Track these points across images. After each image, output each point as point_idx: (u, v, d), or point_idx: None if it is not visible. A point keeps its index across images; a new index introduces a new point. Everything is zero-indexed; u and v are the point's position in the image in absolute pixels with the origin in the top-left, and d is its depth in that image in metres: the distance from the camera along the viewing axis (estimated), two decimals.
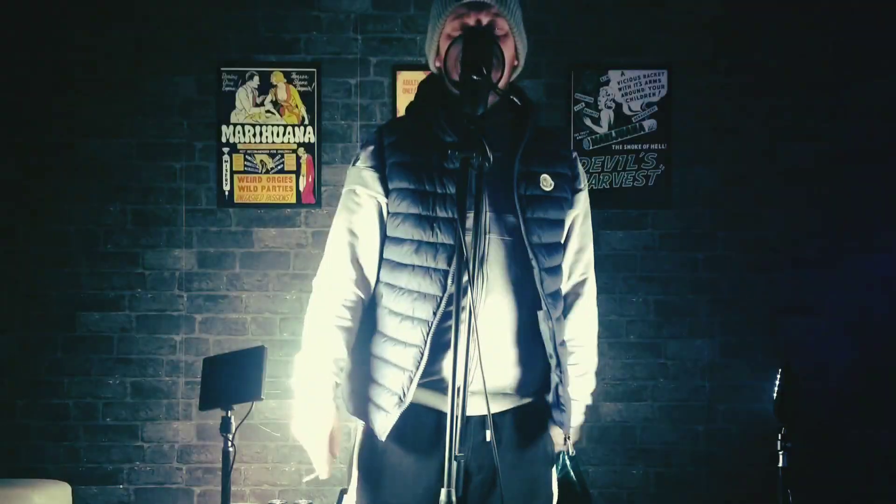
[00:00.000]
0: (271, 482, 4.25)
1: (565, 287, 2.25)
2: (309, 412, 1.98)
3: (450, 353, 2.00)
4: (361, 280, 2.12)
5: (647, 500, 4.26)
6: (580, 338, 2.28)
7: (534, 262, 2.06)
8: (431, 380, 2.04)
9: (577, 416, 2.31)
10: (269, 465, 4.25)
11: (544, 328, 2.07)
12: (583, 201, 2.24)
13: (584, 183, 2.24)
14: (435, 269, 2.03)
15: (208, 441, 4.23)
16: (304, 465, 4.25)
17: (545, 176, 2.13)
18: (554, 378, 2.10)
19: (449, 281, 2.01)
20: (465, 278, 1.76)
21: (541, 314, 2.07)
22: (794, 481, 2.83)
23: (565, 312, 2.25)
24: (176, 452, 4.26)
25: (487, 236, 2.03)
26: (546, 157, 2.17)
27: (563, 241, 2.21)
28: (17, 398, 4.23)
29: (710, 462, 4.26)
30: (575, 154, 2.27)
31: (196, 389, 3.96)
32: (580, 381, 2.29)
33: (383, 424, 2.05)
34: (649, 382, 4.27)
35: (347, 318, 2.10)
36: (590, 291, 2.29)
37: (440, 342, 2.02)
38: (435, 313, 2.01)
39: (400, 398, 2.03)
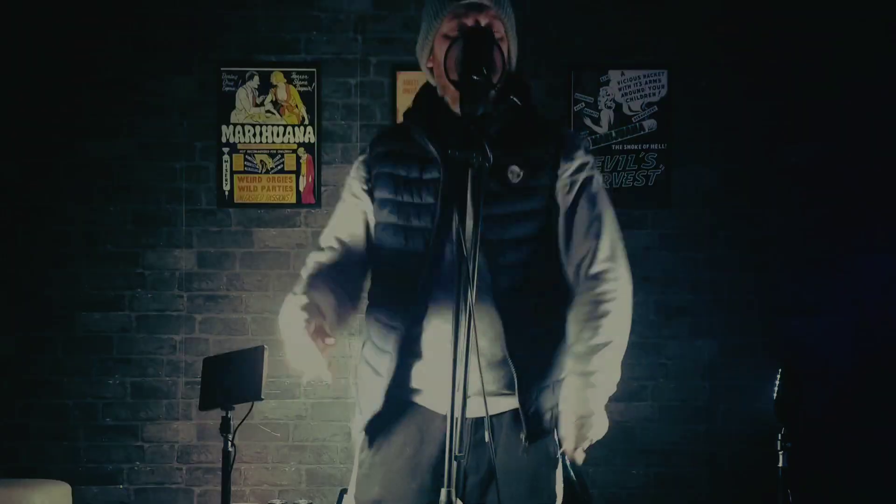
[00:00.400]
0: (271, 482, 4.25)
1: (574, 267, 2.12)
2: (286, 328, 1.96)
3: (420, 360, 2.07)
4: (338, 262, 2.17)
5: (647, 500, 4.26)
6: (604, 305, 2.07)
7: (485, 262, 2.00)
8: (414, 385, 2.09)
9: (583, 402, 2.06)
10: (269, 465, 4.25)
11: (498, 328, 2.04)
12: (569, 173, 2.10)
13: (575, 154, 2.12)
14: (406, 277, 2.06)
15: (208, 441, 4.23)
16: (304, 465, 4.25)
17: (513, 168, 2.07)
18: (511, 378, 2.05)
19: (418, 288, 2.04)
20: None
21: (494, 313, 2.03)
22: (794, 481, 2.83)
23: (584, 289, 2.12)
24: (176, 452, 4.26)
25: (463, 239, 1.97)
26: (518, 144, 2.10)
27: (561, 225, 2.11)
28: (17, 398, 4.23)
29: (710, 462, 4.25)
30: (565, 129, 2.23)
31: (196, 389, 3.96)
32: (594, 357, 2.06)
33: (357, 423, 2.18)
34: (649, 382, 4.26)
35: (315, 271, 2.15)
36: (611, 260, 2.10)
37: (408, 349, 2.07)
38: (404, 320, 2.06)
39: (374, 403, 2.11)
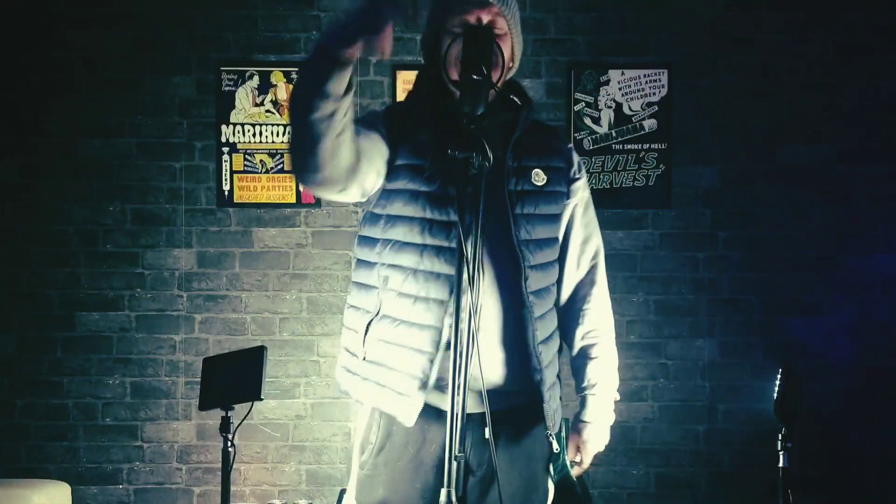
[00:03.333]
0: (271, 482, 4.25)
1: (574, 278, 2.26)
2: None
3: (437, 354, 2.02)
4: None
5: (647, 500, 4.26)
6: (599, 328, 2.28)
7: (520, 259, 2.07)
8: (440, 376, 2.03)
9: (603, 414, 2.27)
10: (269, 465, 4.25)
11: (526, 326, 2.08)
12: (581, 191, 2.25)
13: (581, 173, 2.25)
14: (450, 249, 2.01)
15: (208, 441, 4.23)
16: (304, 465, 4.25)
17: (537, 171, 2.14)
18: (535, 377, 2.09)
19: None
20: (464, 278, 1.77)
21: (523, 312, 2.07)
22: (794, 481, 2.83)
23: (579, 305, 2.26)
24: (176, 452, 4.25)
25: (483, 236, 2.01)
26: (539, 150, 2.18)
27: (562, 235, 2.23)
28: (17, 398, 4.23)
29: (710, 462, 4.25)
30: (570, 145, 2.29)
31: (196, 389, 3.96)
32: (605, 373, 2.27)
33: (408, 410, 2.03)
34: (649, 382, 4.26)
35: None
36: (601, 281, 2.30)
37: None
38: (451, 293, 1.99)
39: (422, 381, 2.02)
